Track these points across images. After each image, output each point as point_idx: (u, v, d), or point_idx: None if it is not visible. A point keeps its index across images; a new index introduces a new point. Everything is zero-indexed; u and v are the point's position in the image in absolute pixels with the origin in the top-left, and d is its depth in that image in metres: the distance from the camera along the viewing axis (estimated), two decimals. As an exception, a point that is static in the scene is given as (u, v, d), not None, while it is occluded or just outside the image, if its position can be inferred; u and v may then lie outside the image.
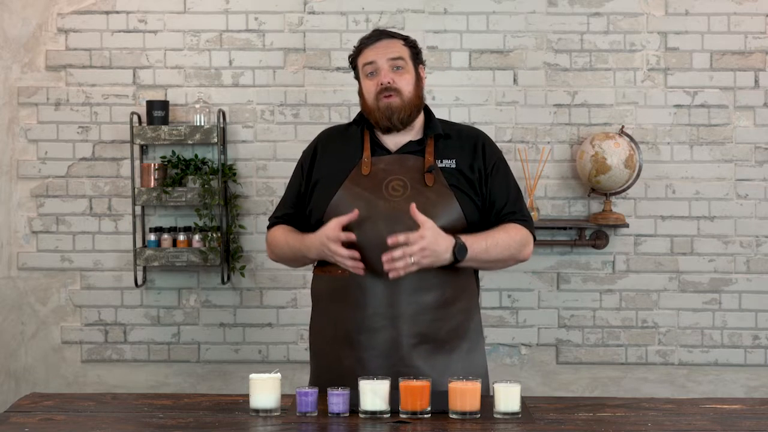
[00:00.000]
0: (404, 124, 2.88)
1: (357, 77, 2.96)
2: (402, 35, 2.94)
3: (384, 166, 2.87)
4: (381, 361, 2.76)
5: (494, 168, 2.92)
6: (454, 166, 2.87)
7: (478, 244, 2.78)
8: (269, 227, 3.03)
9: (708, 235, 4.60)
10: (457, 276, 2.86)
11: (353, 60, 2.95)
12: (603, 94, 4.60)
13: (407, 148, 2.90)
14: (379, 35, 2.91)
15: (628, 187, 4.52)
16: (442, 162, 2.87)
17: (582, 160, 4.46)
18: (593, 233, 4.60)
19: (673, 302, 4.61)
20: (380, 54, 2.86)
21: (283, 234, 2.94)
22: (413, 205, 2.70)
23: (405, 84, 2.86)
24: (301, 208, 2.96)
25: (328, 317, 2.88)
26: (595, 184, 4.47)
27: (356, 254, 2.73)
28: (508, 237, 2.85)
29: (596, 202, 4.61)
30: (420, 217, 2.69)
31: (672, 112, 4.59)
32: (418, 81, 2.91)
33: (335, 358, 2.84)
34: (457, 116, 4.52)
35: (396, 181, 2.84)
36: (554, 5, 4.59)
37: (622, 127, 4.54)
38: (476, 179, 2.88)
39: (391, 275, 2.68)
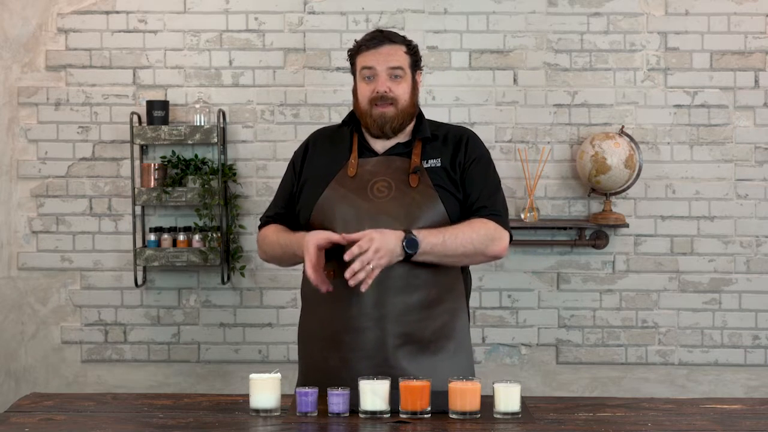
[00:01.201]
0: (395, 132, 2.89)
1: (353, 74, 2.95)
2: (404, 39, 2.92)
3: (370, 168, 2.87)
4: (366, 361, 2.76)
5: (473, 162, 2.89)
6: (438, 165, 2.87)
7: (434, 237, 2.74)
8: (260, 226, 3.03)
9: (708, 235, 4.60)
10: (444, 276, 2.86)
11: (352, 57, 2.94)
12: (603, 94, 4.60)
13: (394, 150, 2.90)
14: (381, 39, 2.88)
15: (628, 187, 4.52)
16: (428, 162, 2.87)
17: (582, 160, 4.46)
18: (593, 233, 4.60)
19: (673, 302, 4.61)
20: (381, 61, 2.85)
21: (275, 232, 2.95)
22: (347, 235, 2.71)
23: (401, 93, 2.86)
24: (291, 207, 2.96)
25: (316, 318, 2.88)
26: (595, 184, 4.47)
27: (320, 277, 2.75)
28: (471, 230, 2.79)
29: (596, 202, 4.61)
30: (355, 235, 2.68)
31: (672, 112, 4.59)
32: (414, 88, 2.91)
33: (321, 359, 2.84)
34: (457, 116, 4.52)
35: (381, 183, 2.84)
36: (554, 5, 4.59)
37: (622, 127, 4.54)
38: (458, 176, 2.87)
39: (362, 288, 2.67)
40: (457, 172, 2.87)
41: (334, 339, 2.81)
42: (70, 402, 2.70)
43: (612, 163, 4.38)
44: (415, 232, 2.71)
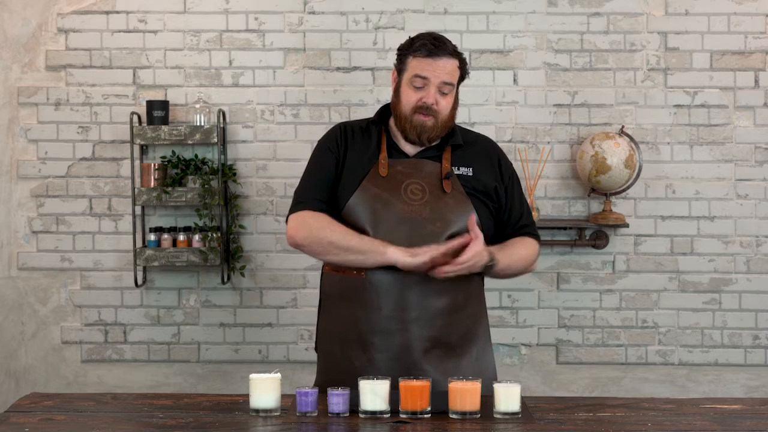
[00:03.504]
0: (431, 142, 2.91)
1: (399, 70, 2.91)
2: (460, 54, 2.91)
3: (402, 169, 2.87)
4: (393, 363, 2.77)
5: (510, 181, 2.99)
6: (470, 174, 2.91)
7: (503, 261, 2.85)
8: (303, 208, 2.86)
9: (708, 235, 4.60)
10: (468, 281, 2.89)
11: (403, 54, 2.90)
12: (603, 94, 4.60)
13: (425, 153, 2.91)
14: (441, 50, 2.85)
15: (628, 187, 4.52)
16: (459, 169, 2.90)
17: (582, 160, 4.46)
18: (593, 233, 4.60)
19: (673, 302, 4.61)
20: (437, 74, 2.84)
21: (343, 229, 2.81)
22: (473, 217, 2.78)
23: (445, 107, 2.88)
24: (333, 194, 2.87)
25: (339, 316, 2.88)
26: (595, 184, 4.47)
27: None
28: (527, 252, 2.96)
29: (596, 202, 4.61)
30: (477, 230, 2.74)
31: (672, 112, 4.59)
32: (455, 102, 2.93)
33: (345, 358, 2.84)
34: (457, 116, 4.51)
35: (414, 185, 2.85)
36: (554, 5, 4.58)
37: (622, 127, 4.54)
38: (492, 189, 2.92)
39: (438, 276, 2.74)
40: (491, 185, 2.92)
41: (360, 340, 2.81)
42: (70, 402, 2.70)
43: (612, 163, 4.38)
44: (495, 253, 2.82)
